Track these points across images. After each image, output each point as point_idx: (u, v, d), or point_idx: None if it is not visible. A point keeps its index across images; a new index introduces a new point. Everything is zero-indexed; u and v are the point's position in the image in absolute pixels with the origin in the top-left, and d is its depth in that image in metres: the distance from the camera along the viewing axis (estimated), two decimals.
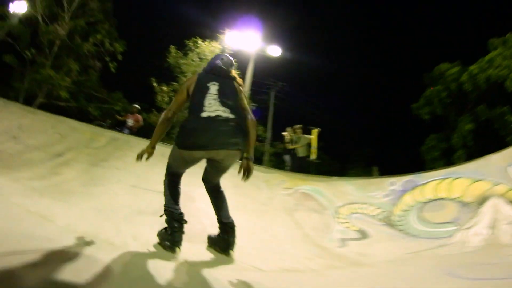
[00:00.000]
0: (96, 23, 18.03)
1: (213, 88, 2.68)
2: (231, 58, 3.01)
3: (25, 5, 15.71)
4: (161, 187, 2.84)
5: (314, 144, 9.89)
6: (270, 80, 19.96)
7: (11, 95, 14.99)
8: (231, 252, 2.80)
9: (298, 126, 9.88)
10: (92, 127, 7.14)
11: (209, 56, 12.95)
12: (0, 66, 16.78)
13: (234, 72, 2.98)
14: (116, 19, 18.82)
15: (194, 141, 2.52)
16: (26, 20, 16.59)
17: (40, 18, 16.37)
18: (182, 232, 2.64)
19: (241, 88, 2.87)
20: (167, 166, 2.91)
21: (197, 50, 13.98)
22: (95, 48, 17.85)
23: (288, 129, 9.98)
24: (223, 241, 2.83)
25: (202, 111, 2.55)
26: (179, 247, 2.57)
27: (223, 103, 2.61)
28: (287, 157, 9.91)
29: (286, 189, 6.35)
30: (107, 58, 17.80)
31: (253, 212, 5.02)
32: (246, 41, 14.51)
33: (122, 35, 18.97)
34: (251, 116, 2.74)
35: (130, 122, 9.92)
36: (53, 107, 14.63)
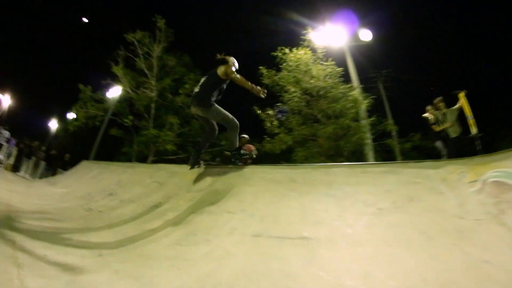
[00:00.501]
0: (181, 77, 20.33)
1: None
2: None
3: (119, 88, 20.15)
4: (300, 233, 2.80)
5: (468, 112, 7.71)
6: (372, 72, 17.22)
7: (123, 159, 16.53)
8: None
9: (437, 99, 8.27)
10: (194, 169, 5.55)
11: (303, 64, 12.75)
12: (111, 140, 20.71)
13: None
14: (200, 69, 20.57)
15: None
16: (120, 97, 20.59)
17: (129, 90, 19.89)
18: None
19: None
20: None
21: (289, 59, 12.87)
22: (188, 99, 19.05)
23: (428, 107, 8.40)
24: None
25: None
26: None
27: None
28: (438, 143, 8.16)
29: (471, 183, 3.41)
30: None
31: (457, 234, 2.38)
32: (335, 35, 13.74)
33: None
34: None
35: None
36: (163, 162, 15.50)
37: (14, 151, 16.42)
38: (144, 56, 20.13)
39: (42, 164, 16.68)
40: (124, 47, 19.80)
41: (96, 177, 8.45)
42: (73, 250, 2.85)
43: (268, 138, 13.35)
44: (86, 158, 15.90)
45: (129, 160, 17.33)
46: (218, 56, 5.07)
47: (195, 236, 3.18)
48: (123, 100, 20.61)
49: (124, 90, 20.00)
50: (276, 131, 13.14)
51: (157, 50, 20.12)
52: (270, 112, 13.45)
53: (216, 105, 4.93)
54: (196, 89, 5.08)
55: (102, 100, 20.61)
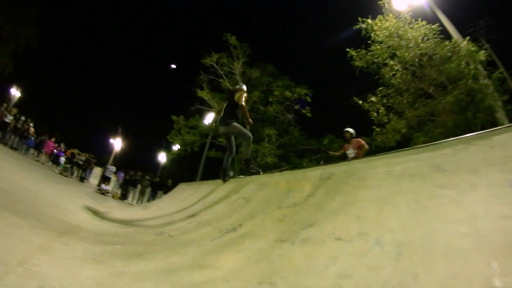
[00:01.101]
0: (268, 87, 20.81)
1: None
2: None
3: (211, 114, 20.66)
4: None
5: None
6: (468, 25, 13.29)
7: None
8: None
9: None
10: (289, 174, 4.28)
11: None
12: (213, 162, 21.75)
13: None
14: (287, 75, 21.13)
15: None
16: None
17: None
18: None
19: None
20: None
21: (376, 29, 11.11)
22: (281, 106, 20.06)
23: None
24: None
25: None
26: None
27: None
28: None
29: None
30: (296, 107, 19.92)
31: None
32: None
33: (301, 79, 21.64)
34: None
35: (351, 152, 8.07)
36: None
37: (121, 182, 19.24)
38: (226, 75, 20.85)
39: (148, 190, 18.60)
40: (205, 72, 20.88)
41: (186, 199, 8.04)
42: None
43: (378, 129, 11.51)
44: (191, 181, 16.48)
45: None
46: (236, 87, 6.64)
47: (271, 286, 1.78)
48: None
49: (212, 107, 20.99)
50: (385, 119, 11.35)
51: (237, 66, 20.66)
52: (374, 99, 11.56)
53: (236, 123, 6.16)
54: (222, 113, 6.51)
55: (196, 126, 21.97)
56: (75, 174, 19.82)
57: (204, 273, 2.30)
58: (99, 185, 18.01)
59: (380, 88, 11.58)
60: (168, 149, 36.27)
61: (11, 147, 17.08)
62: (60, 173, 17.45)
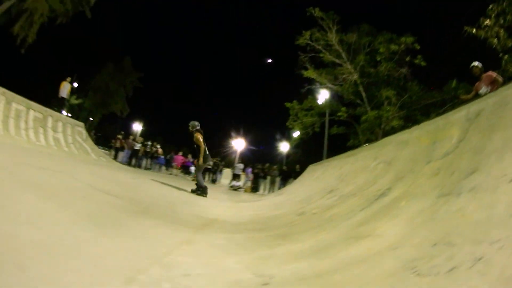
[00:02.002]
0: (371, 46, 20.11)
1: None
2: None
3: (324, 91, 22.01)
4: None
5: None
6: None
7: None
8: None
9: None
10: (429, 124, 3.81)
11: None
12: (336, 139, 22.12)
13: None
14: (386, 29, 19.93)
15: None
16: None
17: (331, 86, 21.10)
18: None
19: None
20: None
21: None
22: (391, 63, 19.03)
23: None
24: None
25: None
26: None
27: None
28: None
29: None
30: (407, 59, 18.77)
31: None
32: None
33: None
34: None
35: (484, 90, 7.15)
36: None
37: (251, 176, 20.51)
38: (325, 49, 20.41)
39: (277, 180, 19.39)
40: (303, 52, 20.75)
41: (319, 178, 8.04)
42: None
43: (506, 56, 9.93)
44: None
45: None
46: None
47: (450, 247, 1.53)
48: (331, 98, 21.73)
49: (326, 88, 21.07)
50: (510, 43, 9.72)
51: (332, 36, 20.03)
52: (488, 22, 9.85)
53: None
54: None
55: (311, 107, 22.17)
56: (207, 178, 21.79)
57: (362, 244, 2.15)
58: (230, 183, 19.69)
59: (490, 6, 9.67)
60: (289, 137, 37.91)
61: (146, 168, 20.00)
62: (193, 180, 19.70)
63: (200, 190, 8.02)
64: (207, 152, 8.61)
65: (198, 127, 8.77)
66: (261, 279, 1.77)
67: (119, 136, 21.20)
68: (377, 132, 18.27)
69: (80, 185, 4.32)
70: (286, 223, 3.98)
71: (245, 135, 42.01)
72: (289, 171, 19.77)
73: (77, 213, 2.76)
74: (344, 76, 19.81)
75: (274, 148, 43.00)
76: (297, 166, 19.06)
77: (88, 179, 5.52)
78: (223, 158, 28.09)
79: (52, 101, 15.65)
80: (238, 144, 40.71)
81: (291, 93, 23.20)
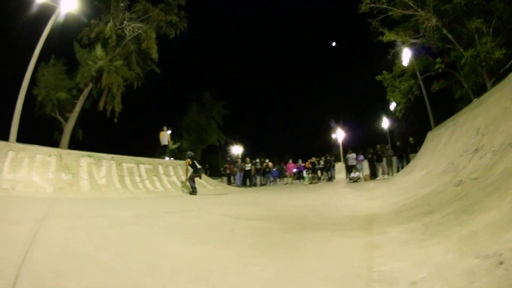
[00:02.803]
0: None
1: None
2: None
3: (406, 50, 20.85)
4: None
5: None
6: None
7: (462, 106, 15.67)
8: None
9: None
10: None
11: None
12: (441, 97, 21.49)
13: None
14: None
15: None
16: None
17: (414, 40, 19.58)
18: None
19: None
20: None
21: None
22: None
23: None
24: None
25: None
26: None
27: None
28: None
29: None
30: None
31: None
32: None
33: None
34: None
35: None
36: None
37: (365, 164, 19.72)
38: (390, 5, 18.82)
39: (394, 159, 18.26)
40: (372, 18, 19.59)
41: (449, 141, 7.25)
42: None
43: None
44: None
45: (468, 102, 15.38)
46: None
47: None
48: (419, 54, 20.01)
49: (409, 45, 19.50)
50: None
51: None
52: None
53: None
54: None
55: (403, 72, 20.64)
56: (322, 178, 21.93)
57: None
58: (347, 176, 19.28)
59: None
60: (388, 113, 36.23)
61: (261, 185, 20.98)
62: (310, 183, 19.98)
63: (193, 190, 11.56)
64: (197, 166, 12.24)
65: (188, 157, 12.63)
66: (492, 260, 1.63)
67: (226, 165, 22.67)
68: (481, 73, 16.24)
69: (219, 218, 4.80)
70: (453, 197, 3.56)
71: (343, 125, 41.46)
72: (404, 146, 18.34)
73: (240, 245, 2.98)
74: (423, 25, 17.94)
75: (373, 129, 41.52)
76: (411, 139, 17.72)
77: (221, 210, 6.01)
78: (329, 152, 27.67)
79: (158, 151, 17.90)
80: (339, 135, 40.26)
81: (376, 68, 22.02)
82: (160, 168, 13.46)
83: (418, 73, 19.77)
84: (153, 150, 25.94)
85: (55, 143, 22.70)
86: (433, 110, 20.38)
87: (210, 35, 73.60)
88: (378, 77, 20.89)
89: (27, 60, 14.29)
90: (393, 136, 35.39)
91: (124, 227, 3.95)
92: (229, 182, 21.15)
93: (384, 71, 20.79)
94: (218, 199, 9.39)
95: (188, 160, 12.39)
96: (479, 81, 16.86)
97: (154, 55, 24.44)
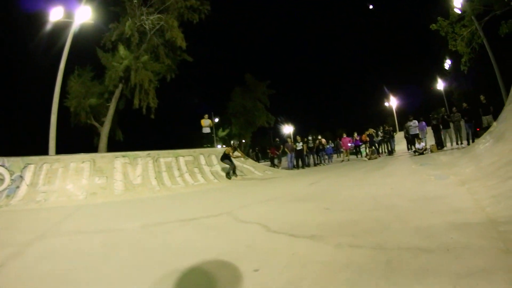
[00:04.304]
0: None
1: None
2: None
3: None
4: None
5: None
6: None
7: None
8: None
9: None
10: None
11: None
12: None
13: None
14: None
15: None
16: None
17: None
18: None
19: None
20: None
21: None
22: None
23: None
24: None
25: None
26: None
27: None
28: None
29: None
30: None
31: None
32: None
33: None
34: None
35: None
36: None
37: (429, 132, 17.22)
38: None
39: (462, 124, 15.55)
40: None
41: None
42: None
43: None
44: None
45: None
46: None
47: None
48: None
49: None
50: None
51: None
52: None
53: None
54: None
55: (462, 17, 17.92)
56: (381, 151, 19.76)
57: None
58: (410, 148, 17.22)
59: None
60: (443, 73, 32.92)
61: (315, 164, 19.33)
62: (369, 158, 17.95)
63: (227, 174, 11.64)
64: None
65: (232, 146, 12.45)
66: None
67: (269, 149, 21.52)
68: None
69: (249, 235, 3.33)
70: None
71: (395, 92, 38.68)
72: (474, 107, 15.02)
73: None
74: None
75: (428, 94, 38.09)
76: (482, 97, 14.38)
77: (258, 213, 4.59)
78: (384, 122, 25.11)
79: (202, 141, 17.25)
80: (392, 102, 37.46)
81: (426, 20, 19.29)
82: (202, 158, 12.64)
83: (473, 17, 16.78)
84: (197, 141, 25.26)
85: (95, 149, 22.86)
86: (499, 61, 17.46)
87: (243, 16, 71.09)
88: (433, 26, 18.12)
89: (54, 77, 14.65)
90: (452, 98, 31.96)
91: (107, 256, 3.00)
92: (272, 165, 19.86)
93: (439, 18, 18.04)
94: (261, 189, 8.14)
95: (229, 149, 12.06)
96: None
97: (181, 43, 23.20)
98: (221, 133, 42.84)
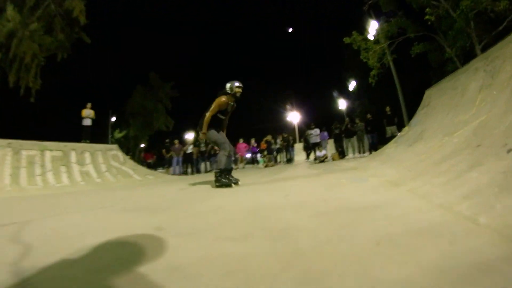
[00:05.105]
0: None
1: None
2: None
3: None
4: None
5: None
6: None
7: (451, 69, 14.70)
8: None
9: None
10: None
11: None
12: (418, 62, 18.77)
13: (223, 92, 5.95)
14: None
15: None
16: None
17: None
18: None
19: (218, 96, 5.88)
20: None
21: None
22: None
23: None
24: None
25: None
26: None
27: None
28: None
29: None
30: None
31: None
32: None
33: None
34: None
35: None
36: None
37: (330, 142, 17.00)
38: None
39: (363, 135, 15.57)
40: None
41: (483, 87, 4.51)
42: None
43: None
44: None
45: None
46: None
47: None
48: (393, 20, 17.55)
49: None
50: None
51: None
52: None
53: (210, 131, 5.96)
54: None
55: (377, 32, 18.39)
56: (279, 160, 18.97)
57: None
58: (309, 155, 16.54)
59: None
60: (346, 93, 34.52)
61: (206, 171, 17.34)
62: (266, 166, 16.77)
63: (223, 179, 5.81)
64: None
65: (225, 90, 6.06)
66: None
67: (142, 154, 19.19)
68: (469, 33, 13.93)
69: None
70: None
71: (298, 107, 39.20)
72: (378, 118, 15.21)
73: None
74: None
75: (330, 111, 39.44)
76: (387, 108, 14.45)
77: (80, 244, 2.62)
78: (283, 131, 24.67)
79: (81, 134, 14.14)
80: (294, 117, 37.75)
81: (342, 31, 19.31)
82: (73, 155, 10.27)
83: (384, 38, 17.35)
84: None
85: None
86: (409, 80, 18.23)
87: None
88: (347, 39, 17.99)
89: None
90: (354, 116, 33.63)
91: None
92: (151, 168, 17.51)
93: (354, 32, 17.97)
94: (111, 194, 6.16)
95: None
96: (465, 46, 14.72)
97: (80, 16, 19.89)
98: (118, 134, 38.59)
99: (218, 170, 5.70)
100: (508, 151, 2.17)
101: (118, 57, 49.82)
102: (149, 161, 19.34)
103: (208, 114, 5.74)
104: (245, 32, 79.35)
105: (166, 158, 17.61)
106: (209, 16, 77.76)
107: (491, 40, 12.98)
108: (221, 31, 78.56)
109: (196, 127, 6.10)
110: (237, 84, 5.87)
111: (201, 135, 5.77)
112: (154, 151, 20.22)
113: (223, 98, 5.81)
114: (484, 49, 12.06)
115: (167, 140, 18.31)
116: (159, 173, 14.81)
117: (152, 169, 17.22)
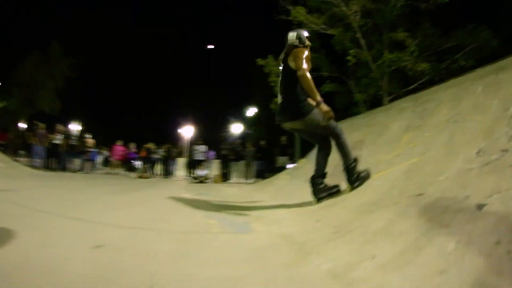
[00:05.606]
0: None
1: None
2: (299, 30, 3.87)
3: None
4: None
5: None
6: None
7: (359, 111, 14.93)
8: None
9: None
10: None
11: None
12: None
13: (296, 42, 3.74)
14: None
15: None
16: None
17: (324, 27, 16.79)
18: None
19: (295, 50, 3.61)
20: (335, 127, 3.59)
21: None
22: None
23: None
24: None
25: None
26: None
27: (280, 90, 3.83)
28: None
29: None
30: None
31: None
32: None
33: None
34: (298, 72, 3.42)
35: None
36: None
37: (216, 162, 16.06)
38: None
39: (251, 160, 14.54)
40: None
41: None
42: None
43: None
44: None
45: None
46: (291, 37, 3.87)
47: None
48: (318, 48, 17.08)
49: (314, 31, 15.78)
50: None
51: None
52: None
53: (312, 112, 3.55)
54: (279, 99, 3.91)
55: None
56: (159, 172, 16.69)
57: None
58: (190, 173, 14.85)
59: None
60: (242, 117, 34.07)
61: (74, 171, 14.09)
62: (140, 177, 14.22)
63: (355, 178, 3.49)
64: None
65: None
66: None
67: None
68: (383, 86, 14.67)
69: None
70: None
71: (198, 121, 37.51)
72: (271, 146, 14.74)
73: None
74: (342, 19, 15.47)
75: (226, 131, 38.64)
76: (283, 138, 13.81)
77: None
78: (174, 145, 22.30)
79: None
80: (187, 132, 35.54)
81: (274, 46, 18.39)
82: None
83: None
84: None
85: None
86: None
87: None
88: (259, 60, 17.14)
89: None
90: (246, 140, 33.36)
91: None
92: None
93: (269, 55, 17.08)
94: None
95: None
96: (378, 93, 15.21)
97: None
98: None
99: (353, 162, 3.52)
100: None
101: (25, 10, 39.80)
102: (1, 142, 15.38)
103: (306, 69, 3.43)
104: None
105: (27, 143, 14.06)
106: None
107: (401, 95, 13.56)
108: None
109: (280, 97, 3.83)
110: (307, 34, 3.89)
111: (322, 105, 3.39)
112: (14, 132, 16.26)
113: (307, 52, 3.61)
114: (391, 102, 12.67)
115: (35, 122, 14.56)
116: (13, 162, 11.68)
117: (10, 155, 13.59)
